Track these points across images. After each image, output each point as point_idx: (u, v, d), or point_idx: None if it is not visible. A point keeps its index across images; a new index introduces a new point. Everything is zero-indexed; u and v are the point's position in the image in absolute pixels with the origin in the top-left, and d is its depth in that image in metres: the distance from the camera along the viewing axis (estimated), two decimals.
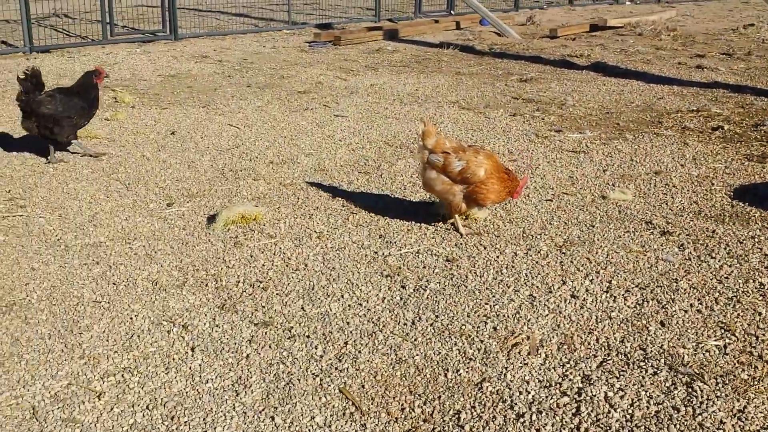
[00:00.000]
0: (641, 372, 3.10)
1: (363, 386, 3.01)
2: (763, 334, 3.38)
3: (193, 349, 3.25)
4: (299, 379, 3.04)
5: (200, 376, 3.05)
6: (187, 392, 2.96)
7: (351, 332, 3.40)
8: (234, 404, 2.88)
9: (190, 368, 3.11)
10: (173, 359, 3.18)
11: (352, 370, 3.10)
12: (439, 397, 2.95)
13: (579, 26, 13.33)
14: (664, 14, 15.20)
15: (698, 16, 16.34)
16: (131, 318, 3.52)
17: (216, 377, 3.05)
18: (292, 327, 3.44)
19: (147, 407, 2.87)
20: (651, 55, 10.90)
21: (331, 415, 2.83)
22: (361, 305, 3.65)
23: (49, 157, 5.75)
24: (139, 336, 3.36)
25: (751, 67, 10.01)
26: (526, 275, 3.97)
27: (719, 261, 4.15)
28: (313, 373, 3.08)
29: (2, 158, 5.83)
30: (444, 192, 4.39)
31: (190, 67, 9.78)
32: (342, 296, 3.73)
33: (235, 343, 3.29)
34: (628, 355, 3.23)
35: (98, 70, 5.84)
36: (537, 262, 4.12)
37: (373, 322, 3.49)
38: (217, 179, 5.47)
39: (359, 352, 3.24)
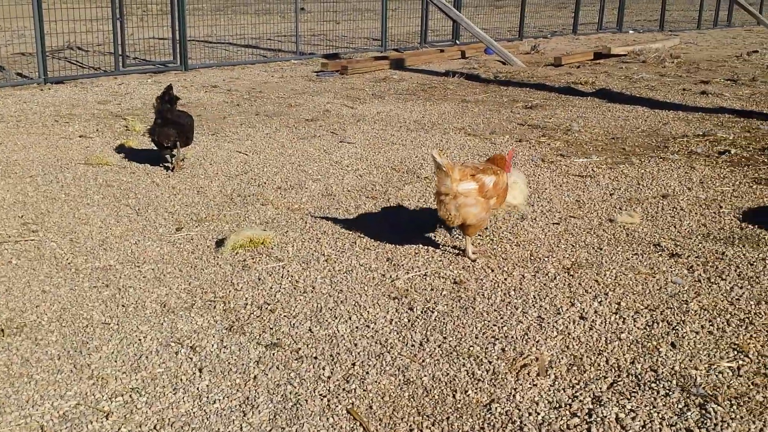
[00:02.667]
0: (653, 393, 3.07)
1: (371, 407, 2.99)
2: None
3: (201, 370, 3.24)
4: (307, 400, 3.02)
5: (208, 397, 3.04)
6: (194, 412, 2.94)
7: (359, 353, 3.39)
8: (241, 424, 2.87)
9: (197, 389, 3.10)
10: (181, 380, 3.17)
11: (360, 391, 3.09)
12: (448, 418, 2.92)
13: (583, 54, 13.41)
14: (668, 42, 15.29)
15: (701, 43, 16.43)
16: (140, 339, 3.51)
17: (223, 398, 3.04)
18: (299, 348, 3.43)
19: (154, 427, 2.86)
20: (655, 81, 10.95)
21: None
22: (368, 327, 3.64)
23: (171, 164, 6.37)
24: (147, 357, 3.36)
25: (756, 92, 10.04)
26: (534, 297, 3.96)
27: (730, 283, 4.13)
28: (320, 394, 3.07)
29: (16, 185, 5.87)
30: (483, 212, 4.29)
31: (199, 96, 9.86)
32: (349, 318, 3.72)
33: (243, 364, 3.28)
34: (639, 376, 3.21)
35: None
36: (545, 284, 4.11)
37: (380, 344, 3.48)
38: (225, 204, 5.49)
39: (367, 373, 3.23)
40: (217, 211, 5.35)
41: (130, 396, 3.06)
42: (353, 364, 3.30)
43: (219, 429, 2.85)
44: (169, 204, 5.50)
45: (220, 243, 4.66)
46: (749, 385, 3.13)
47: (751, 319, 3.71)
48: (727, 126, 8.01)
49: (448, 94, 10.11)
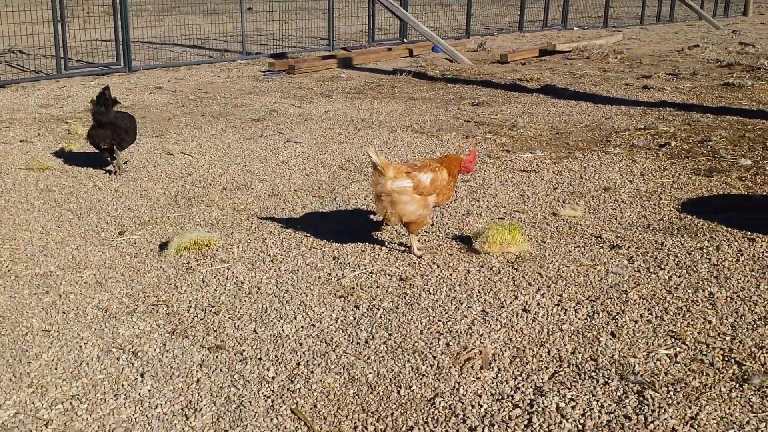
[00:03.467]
0: (593, 382, 3.13)
1: (315, 406, 2.99)
2: (714, 342, 3.44)
3: (142, 375, 3.20)
4: (251, 402, 3.01)
5: (150, 402, 3.01)
6: (136, 418, 2.91)
7: (304, 353, 3.38)
8: (184, 428, 2.84)
9: (139, 394, 3.06)
10: (122, 386, 3.13)
11: (305, 391, 3.09)
12: (392, 413, 2.94)
13: (529, 51, 13.57)
14: (611, 38, 15.55)
15: (644, 38, 16.77)
16: (80, 346, 3.46)
17: (165, 402, 3.00)
18: (243, 350, 3.41)
19: None
20: (599, 77, 11.14)
21: None
22: (314, 326, 3.63)
23: (113, 167, 6.26)
24: (88, 363, 3.30)
25: (696, 86, 10.28)
26: (479, 291, 4.00)
27: (668, 272, 4.23)
28: (264, 395, 3.05)
29: None
30: (420, 209, 4.31)
31: (143, 98, 9.72)
32: (295, 318, 3.72)
33: (186, 368, 3.25)
34: (580, 366, 3.27)
35: None
36: (489, 279, 4.16)
37: (326, 342, 3.48)
38: (169, 207, 5.43)
39: (312, 372, 3.22)
40: (160, 213, 5.28)
41: (71, 403, 3.01)
42: (298, 364, 3.29)
43: None
44: (112, 208, 5.41)
45: (163, 246, 4.60)
46: (686, 372, 3.20)
47: (688, 307, 3.80)
48: (668, 119, 8.19)
49: (395, 92, 10.14)
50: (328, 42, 14.48)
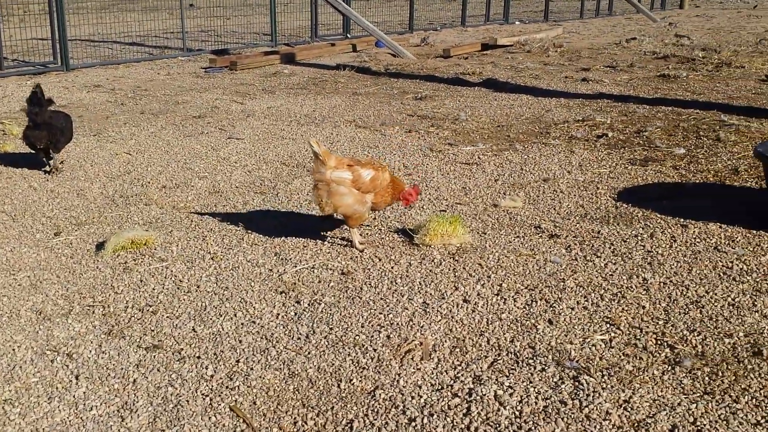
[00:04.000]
0: (530, 369, 3.18)
1: (255, 403, 2.97)
2: (647, 327, 3.52)
3: (77, 377, 3.14)
4: (188, 401, 2.97)
5: (84, 404, 2.95)
6: (70, 420, 2.85)
7: (243, 350, 3.36)
8: (119, 429, 2.79)
9: (74, 396, 3.00)
10: (56, 388, 3.06)
11: (244, 388, 3.06)
12: (332, 407, 2.94)
13: (471, 46, 13.69)
14: (551, 32, 15.78)
15: (584, 32, 17.05)
16: (14, 349, 3.37)
17: (101, 404, 2.95)
18: (182, 349, 3.37)
19: None
20: (539, 70, 11.29)
21: None
22: (254, 323, 3.61)
23: (49, 167, 6.14)
24: (21, 367, 3.22)
25: (633, 78, 10.49)
26: (420, 283, 4.02)
27: (604, 260, 4.31)
28: (203, 394, 3.02)
29: None
30: (356, 204, 4.32)
31: (81, 96, 9.52)
32: (235, 315, 3.69)
33: (122, 369, 3.20)
34: (518, 353, 3.31)
35: None
36: (431, 271, 4.18)
37: (266, 339, 3.46)
38: (107, 206, 5.33)
39: (251, 369, 3.20)
40: (98, 213, 5.18)
41: (2, 408, 2.94)
42: (237, 361, 3.26)
43: None
44: (47, 208, 5.29)
45: (100, 246, 4.52)
46: (620, 356, 3.27)
47: (623, 293, 3.88)
48: (606, 111, 8.34)
49: (339, 88, 10.12)
50: (271, 38, 14.38)
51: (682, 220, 4.88)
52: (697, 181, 5.73)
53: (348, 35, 15.37)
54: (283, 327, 3.57)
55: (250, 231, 4.78)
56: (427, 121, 7.99)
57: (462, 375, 3.15)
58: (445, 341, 3.43)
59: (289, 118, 8.16)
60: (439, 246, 4.51)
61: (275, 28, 14.30)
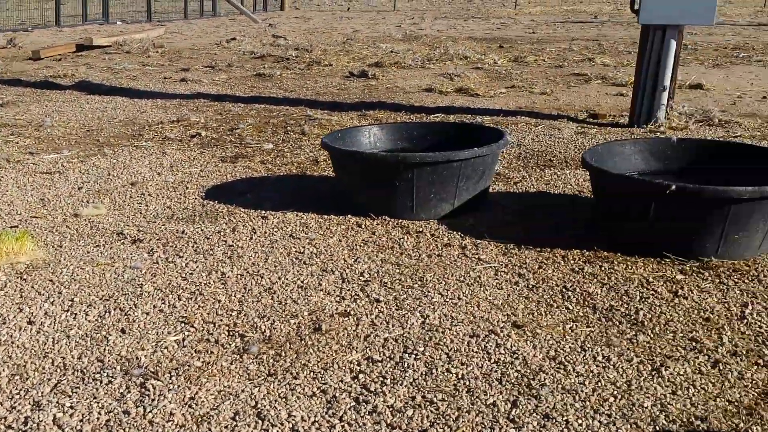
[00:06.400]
0: (96, 384, 3.03)
1: None
2: (221, 320, 3.58)
3: None
4: None
5: None
6: None
7: None
8: None
9: None
10: None
11: None
12: None
13: (65, 46, 12.90)
14: (153, 32, 15.54)
15: (187, 32, 17.06)
16: None
17: None
18: None
19: None
20: (138, 71, 11.03)
21: None
22: None
23: None
24: None
25: (231, 77, 10.74)
26: None
27: (186, 259, 4.30)
28: None
29: None
30: None
31: None
32: None
33: None
34: (85, 370, 3.14)
35: None
36: None
37: None
38: None
39: None
40: None
41: None
42: None
43: None
44: None
45: None
46: (191, 354, 3.28)
47: (201, 290, 3.90)
48: (202, 110, 8.41)
49: None
50: None
51: (263, 212, 5.07)
52: (281, 174, 6.02)
53: None
54: None
55: None
56: (7, 129, 7.32)
57: (20, 404, 2.89)
58: (3, 370, 3.13)
59: None
60: (5, 266, 4.12)
61: None
